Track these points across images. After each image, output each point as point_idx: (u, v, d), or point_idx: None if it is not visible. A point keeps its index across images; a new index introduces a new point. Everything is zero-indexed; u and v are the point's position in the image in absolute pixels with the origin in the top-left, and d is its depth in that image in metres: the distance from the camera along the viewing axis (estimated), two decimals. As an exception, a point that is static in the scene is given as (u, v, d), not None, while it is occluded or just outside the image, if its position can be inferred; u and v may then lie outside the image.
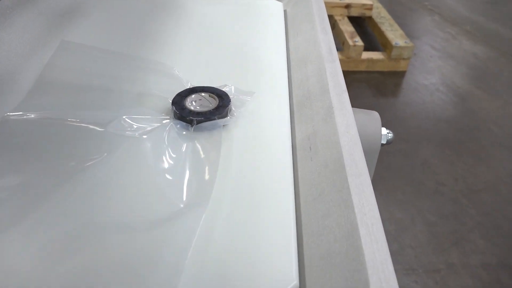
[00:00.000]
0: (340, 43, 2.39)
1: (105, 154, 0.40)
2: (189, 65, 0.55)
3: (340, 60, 1.66)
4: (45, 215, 0.35)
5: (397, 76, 2.34)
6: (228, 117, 0.46)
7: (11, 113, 0.43)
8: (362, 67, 2.39)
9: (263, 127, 0.46)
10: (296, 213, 0.37)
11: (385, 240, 0.31)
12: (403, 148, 1.84)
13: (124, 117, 0.43)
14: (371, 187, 0.35)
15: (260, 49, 0.60)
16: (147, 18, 0.64)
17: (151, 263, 0.32)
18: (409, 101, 2.15)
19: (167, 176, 0.39)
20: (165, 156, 0.41)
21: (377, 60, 2.35)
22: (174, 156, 0.41)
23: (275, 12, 0.69)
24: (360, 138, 0.41)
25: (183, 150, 0.42)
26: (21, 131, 0.41)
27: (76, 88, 0.48)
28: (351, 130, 0.41)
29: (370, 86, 2.28)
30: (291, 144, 0.45)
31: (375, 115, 0.58)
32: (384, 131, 0.56)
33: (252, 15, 0.68)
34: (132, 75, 0.51)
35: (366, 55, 2.37)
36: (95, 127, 0.42)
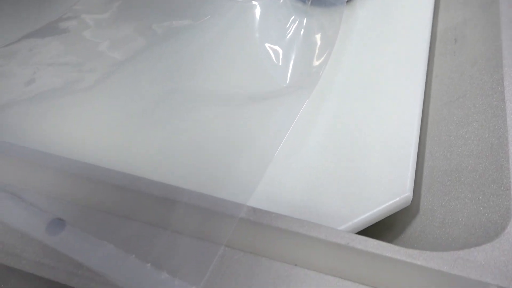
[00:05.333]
0: None
1: (208, 16, 0.39)
2: None
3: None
4: (131, 77, 0.36)
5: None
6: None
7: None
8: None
9: (397, 9, 0.42)
10: (422, 117, 0.34)
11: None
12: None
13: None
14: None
15: None
16: None
17: (240, 141, 0.31)
18: None
19: (273, 52, 0.37)
20: (274, 30, 0.38)
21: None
22: (283, 31, 0.38)
23: None
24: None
25: (295, 25, 0.38)
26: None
27: None
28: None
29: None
30: (430, 35, 0.40)
31: None
32: None
33: None
34: None
35: None
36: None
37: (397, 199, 0.30)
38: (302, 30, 0.38)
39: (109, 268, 0.24)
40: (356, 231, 0.29)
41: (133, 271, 0.24)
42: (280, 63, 0.36)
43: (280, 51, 0.37)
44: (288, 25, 0.39)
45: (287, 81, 0.35)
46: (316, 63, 0.35)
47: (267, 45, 0.37)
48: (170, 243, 0.25)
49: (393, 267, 0.24)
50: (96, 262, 0.25)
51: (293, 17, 0.39)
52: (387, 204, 0.30)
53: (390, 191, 0.30)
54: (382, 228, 0.32)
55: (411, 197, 0.30)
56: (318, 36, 0.37)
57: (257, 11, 0.40)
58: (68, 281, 0.24)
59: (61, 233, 0.26)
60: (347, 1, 0.40)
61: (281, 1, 0.39)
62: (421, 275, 0.24)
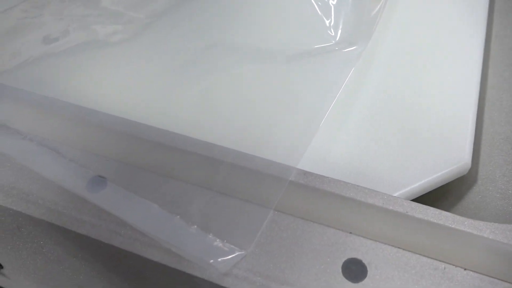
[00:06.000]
0: None
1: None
2: None
3: None
4: (169, 30, 0.35)
5: None
6: None
7: None
8: None
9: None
10: (481, 80, 0.32)
11: None
12: None
13: None
14: None
15: None
16: None
17: (287, 100, 0.29)
18: None
19: (320, 4, 0.33)
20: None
21: None
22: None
23: None
24: None
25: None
26: None
27: None
28: None
29: None
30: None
31: None
32: None
33: None
34: None
35: None
36: None
37: (455, 166, 0.28)
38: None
39: (153, 228, 0.23)
40: (410, 199, 0.28)
41: (179, 233, 0.23)
42: (328, 17, 0.33)
43: (328, 3, 0.34)
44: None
45: (337, 37, 0.32)
46: (369, 15, 0.32)
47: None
48: (217, 205, 0.24)
49: (456, 238, 0.22)
50: (139, 221, 0.24)
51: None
52: (444, 171, 0.28)
53: (447, 158, 0.28)
54: (436, 197, 0.30)
55: (470, 165, 0.28)
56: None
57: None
58: (110, 240, 0.23)
59: (102, 190, 0.25)
60: None
61: None
62: (486, 248, 0.22)
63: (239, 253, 0.22)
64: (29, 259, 0.34)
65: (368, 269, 0.21)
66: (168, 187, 0.25)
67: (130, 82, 0.33)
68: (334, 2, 0.34)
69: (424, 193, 0.28)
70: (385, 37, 0.34)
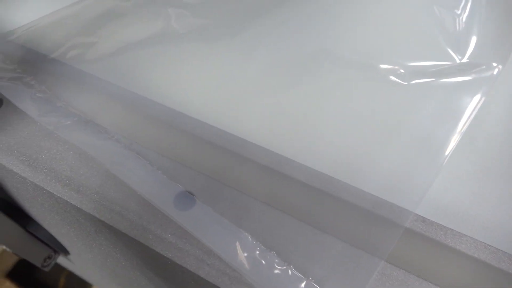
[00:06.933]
0: None
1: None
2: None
3: None
4: (263, 31, 0.32)
5: None
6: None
7: None
8: None
9: None
10: None
11: None
12: None
13: None
14: None
15: None
16: None
17: (399, 128, 0.26)
18: None
19: (445, 16, 0.29)
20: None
21: None
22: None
23: None
24: None
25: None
26: None
27: None
28: None
29: None
30: None
31: None
32: None
33: None
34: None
35: None
36: None
37: None
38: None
39: (243, 263, 0.21)
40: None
41: (271, 272, 0.20)
42: (455, 31, 0.29)
43: (456, 15, 0.29)
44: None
45: (466, 56, 0.28)
46: (507, 29, 0.28)
47: (437, 8, 0.30)
48: (317, 245, 0.21)
49: None
50: (228, 253, 0.21)
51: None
52: None
53: None
54: None
55: None
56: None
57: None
58: (197, 270, 0.21)
59: (190, 209, 0.23)
60: None
61: None
62: None
63: (342, 308, 0.19)
64: (99, 257, 0.33)
65: None
66: (263, 215, 0.22)
67: (218, 84, 0.30)
68: (463, 12, 0.29)
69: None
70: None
